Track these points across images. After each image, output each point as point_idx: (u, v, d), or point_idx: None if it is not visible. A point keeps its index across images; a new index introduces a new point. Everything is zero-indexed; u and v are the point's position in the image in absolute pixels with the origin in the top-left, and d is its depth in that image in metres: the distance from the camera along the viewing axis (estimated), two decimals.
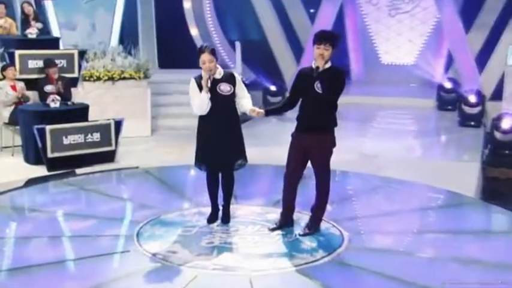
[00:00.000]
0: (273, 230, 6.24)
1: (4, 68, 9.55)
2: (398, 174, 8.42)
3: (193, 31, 14.26)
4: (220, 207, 6.54)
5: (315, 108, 5.78)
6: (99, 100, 10.51)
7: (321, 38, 5.67)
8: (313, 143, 5.86)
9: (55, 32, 13.04)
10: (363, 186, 8.18)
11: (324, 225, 6.38)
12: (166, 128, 11.45)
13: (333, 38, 5.71)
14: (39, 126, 8.43)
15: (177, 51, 12.86)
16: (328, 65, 5.74)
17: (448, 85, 14.49)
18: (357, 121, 13.15)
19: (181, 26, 13.88)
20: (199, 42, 14.44)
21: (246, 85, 6.38)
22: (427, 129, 12.85)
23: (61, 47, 12.42)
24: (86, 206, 7.13)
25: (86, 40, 12.91)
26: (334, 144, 5.94)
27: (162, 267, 5.42)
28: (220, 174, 6.41)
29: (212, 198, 6.51)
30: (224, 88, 6.11)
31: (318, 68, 5.66)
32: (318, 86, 5.67)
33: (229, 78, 6.19)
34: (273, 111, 6.46)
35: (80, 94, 10.35)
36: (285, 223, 6.32)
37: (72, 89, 10.17)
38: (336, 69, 5.78)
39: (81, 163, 8.65)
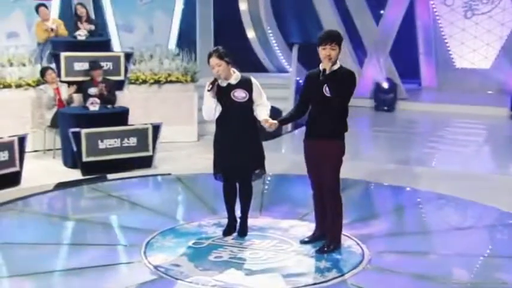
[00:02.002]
0: (303, 243, 5.90)
1: (43, 72, 9.55)
2: (454, 190, 7.69)
3: (250, 33, 13.97)
4: (238, 219, 6.21)
5: (324, 112, 5.48)
6: (145, 104, 10.38)
7: (327, 37, 5.35)
8: (321, 149, 5.53)
9: (112, 34, 13.03)
10: (406, 201, 7.65)
11: (347, 243, 5.95)
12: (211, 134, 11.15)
13: (339, 37, 5.39)
14: (75, 129, 8.34)
15: (234, 54, 12.57)
16: (337, 66, 5.43)
17: None
18: (422, 130, 12.48)
19: (239, 28, 13.63)
20: (256, 45, 14.17)
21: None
22: (497, 141, 11.91)
23: (118, 49, 12.48)
24: (105, 213, 6.95)
25: (143, 42, 12.84)
26: (342, 152, 5.59)
27: (159, 280, 5.17)
28: (238, 185, 6.09)
29: (229, 210, 6.20)
30: (239, 94, 5.81)
31: (324, 70, 5.32)
32: (326, 90, 5.35)
33: (246, 84, 5.87)
34: (286, 120, 6.06)
35: (125, 97, 10.23)
36: (314, 237, 5.94)
37: (118, 92, 10.06)
38: (345, 70, 5.45)
39: (117, 168, 8.49)
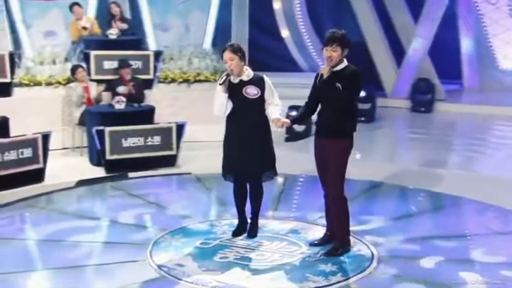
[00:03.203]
0: (312, 245, 5.83)
1: (74, 70, 9.67)
2: (491, 196, 7.38)
3: (284, 33, 13.86)
4: (249, 220, 6.15)
5: (327, 111, 5.48)
6: (174, 102, 10.41)
7: (329, 39, 5.34)
8: (325, 148, 5.51)
9: (148, 33, 13.10)
10: (427, 205, 7.46)
11: (357, 246, 5.84)
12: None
13: (341, 38, 5.33)
14: (99, 127, 8.42)
15: (268, 53, 12.57)
16: (341, 66, 5.39)
17: None
18: (459, 132, 12.13)
19: (273, 27, 13.55)
20: (290, 44, 14.05)
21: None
22: None
23: (154, 48, 12.54)
24: (119, 211, 6.98)
25: (178, 41, 12.88)
26: (346, 152, 5.49)
27: (160, 279, 5.19)
28: (248, 186, 6.05)
29: (239, 211, 6.17)
30: (251, 91, 5.77)
31: (322, 75, 5.37)
32: (326, 89, 5.34)
33: (258, 82, 5.84)
34: (298, 119, 6.06)
35: (154, 96, 10.28)
36: (323, 239, 5.86)
37: (147, 91, 10.12)
38: (351, 69, 5.41)
39: (140, 166, 8.51)
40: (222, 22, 13.86)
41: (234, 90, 5.77)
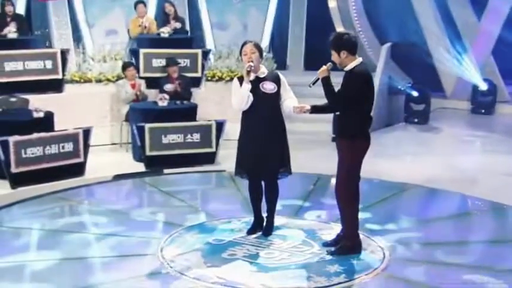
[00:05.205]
0: (325, 245, 5.81)
1: (124, 68, 9.94)
2: None
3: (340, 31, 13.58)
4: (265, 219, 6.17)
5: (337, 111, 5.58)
6: (221, 101, 10.47)
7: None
8: (337, 147, 5.55)
9: (206, 31, 13.28)
10: (452, 208, 7.26)
11: (370, 248, 5.78)
12: (292, 132, 11.01)
13: (331, 42, 5.42)
14: (139, 124, 8.62)
15: (324, 52, 12.36)
16: (350, 67, 5.38)
17: None
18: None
19: (330, 26, 13.41)
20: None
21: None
22: None
23: (212, 47, 12.72)
24: (144, 206, 7.15)
25: (236, 40, 12.96)
26: (353, 153, 5.42)
27: (163, 274, 5.29)
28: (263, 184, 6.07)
29: (255, 209, 6.17)
30: (267, 86, 5.85)
31: (317, 79, 5.42)
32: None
33: (274, 78, 5.93)
34: (319, 108, 5.75)
35: (201, 94, 10.42)
36: (336, 239, 5.81)
37: (194, 89, 10.28)
38: (352, 72, 5.38)
39: (179, 163, 8.64)
40: (280, 21, 13.90)
41: (251, 87, 5.80)
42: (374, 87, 5.50)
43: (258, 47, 5.87)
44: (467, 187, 7.74)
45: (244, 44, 5.89)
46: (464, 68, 13.50)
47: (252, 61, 5.76)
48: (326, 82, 5.38)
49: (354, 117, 5.38)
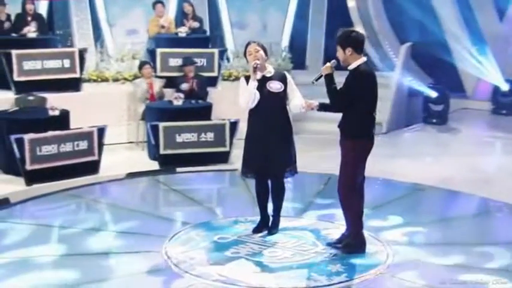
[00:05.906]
0: (329, 245, 5.81)
1: (141, 66, 10.03)
2: None
3: (359, 31, 13.51)
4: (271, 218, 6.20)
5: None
6: (237, 100, 10.50)
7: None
8: (340, 146, 5.55)
9: (226, 31, 13.34)
10: (463, 210, 7.24)
11: (374, 248, 5.76)
12: (308, 132, 11.06)
13: (338, 39, 5.37)
14: (153, 123, 8.70)
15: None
16: (354, 66, 5.36)
17: None
18: None
19: (349, 26, 13.34)
20: (366, 43, 13.72)
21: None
22: None
23: (232, 46, 12.78)
24: (154, 204, 7.22)
25: (255, 40, 12.98)
26: (353, 153, 5.41)
27: (165, 271, 5.34)
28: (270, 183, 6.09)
29: (261, 208, 6.19)
30: (274, 85, 5.88)
31: (321, 76, 5.42)
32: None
33: (281, 77, 5.96)
34: (326, 107, 5.70)
35: (217, 93, 10.47)
36: (340, 239, 5.82)
37: (211, 88, 10.33)
38: (355, 71, 5.36)
39: (193, 162, 8.69)
40: (299, 21, 13.89)
41: (258, 86, 5.83)
42: (377, 87, 5.46)
43: (262, 46, 5.92)
44: (483, 188, 7.67)
45: (248, 44, 5.95)
46: (485, 68, 13.36)
47: (258, 59, 5.79)
48: (329, 79, 5.39)
49: (356, 117, 5.38)
